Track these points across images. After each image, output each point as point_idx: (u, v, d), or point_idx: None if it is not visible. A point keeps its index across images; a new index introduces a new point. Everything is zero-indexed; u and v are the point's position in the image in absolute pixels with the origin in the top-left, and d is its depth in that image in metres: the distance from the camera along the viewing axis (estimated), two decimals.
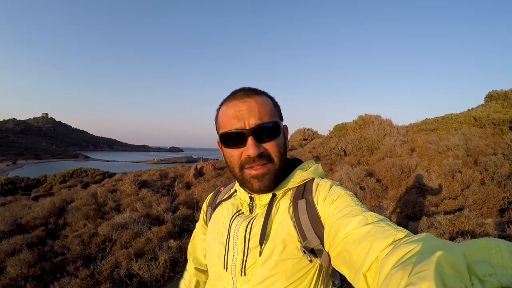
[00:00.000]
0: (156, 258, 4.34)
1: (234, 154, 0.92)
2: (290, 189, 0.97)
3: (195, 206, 7.34)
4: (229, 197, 1.10)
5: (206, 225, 1.17)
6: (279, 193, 0.96)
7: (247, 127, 0.87)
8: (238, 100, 0.91)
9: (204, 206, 1.23)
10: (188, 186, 10.14)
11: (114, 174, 17.00)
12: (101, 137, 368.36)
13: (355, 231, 0.72)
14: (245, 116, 0.88)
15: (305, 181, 0.97)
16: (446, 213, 4.86)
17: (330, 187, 0.91)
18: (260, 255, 0.89)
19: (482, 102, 14.73)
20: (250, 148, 0.87)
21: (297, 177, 0.96)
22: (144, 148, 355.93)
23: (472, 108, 14.21)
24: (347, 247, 0.72)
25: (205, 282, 1.29)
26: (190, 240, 1.34)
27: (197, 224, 1.32)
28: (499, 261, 0.40)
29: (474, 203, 5.10)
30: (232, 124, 0.89)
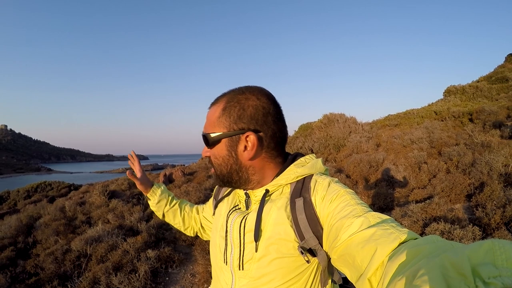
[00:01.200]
0: (135, 270, 4.22)
1: None
2: (285, 185, 0.96)
3: None
4: (230, 192, 1.13)
5: (214, 212, 1.21)
6: (272, 189, 0.96)
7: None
8: None
9: (212, 196, 1.30)
10: None
11: (80, 186, 16.42)
12: (64, 148, 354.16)
13: (358, 234, 0.70)
14: None
15: (303, 177, 0.95)
16: (417, 202, 5.08)
17: (328, 185, 0.89)
18: (256, 251, 0.89)
19: (441, 97, 15.43)
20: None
21: (291, 173, 0.95)
22: (108, 158, 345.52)
23: (432, 103, 14.85)
24: (349, 250, 0.71)
25: (186, 214, 1.49)
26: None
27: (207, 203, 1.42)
28: (503, 263, 0.40)
29: (442, 191, 5.35)
30: None
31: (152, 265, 4.42)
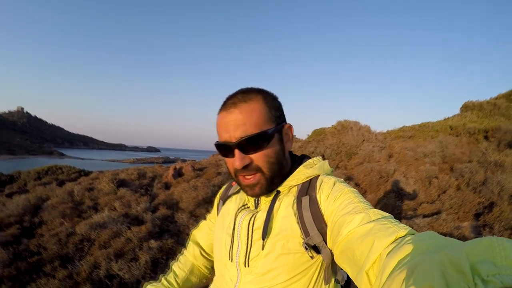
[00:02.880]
0: (136, 259, 4.26)
1: (228, 162, 0.96)
2: (294, 185, 0.98)
3: (175, 207, 7.25)
4: (238, 191, 1.12)
5: (218, 214, 1.20)
6: (283, 189, 0.97)
7: (233, 140, 0.88)
8: (226, 110, 0.91)
9: (217, 199, 1.26)
10: (167, 186, 10.00)
11: (91, 172, 16.60)
12: (77, 134, 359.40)
13: (358, 229, 0.72)
14: (231, 128, 0.88)
15: (310, 178, 0.97)
16: (424, 216, 5.01)
17: (334, 184, 0.91)
18: (262, 249, 0.91)
19: (458, 112, 15.19)
20: (236, 161, 0.89)
21: (301, 174, 0.97)
22: (120, 147, 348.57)
23: (448, 118, 14.63)
24: (350, 245, 0.72)
25: (206, 268, 1.33)
26: (197, 227, 1.36)
27: (208, 215, 1.34)
28: (502, 260, 0.39)
29: (451, 208, 5.27)
30: (221, 136, 0.92)
31: (154, 256, 4.45)
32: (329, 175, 1.00)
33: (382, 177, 7.51)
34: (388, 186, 6.99)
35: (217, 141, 0.94)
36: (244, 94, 0.92)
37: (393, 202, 6.01)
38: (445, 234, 4.09)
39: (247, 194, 0.97)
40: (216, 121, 0.95)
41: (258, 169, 0.91)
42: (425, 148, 8.85)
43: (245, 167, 0.90)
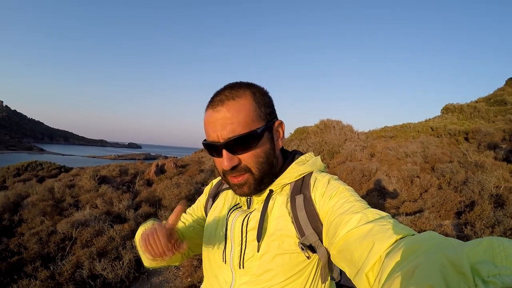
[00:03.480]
0: (120, 258, 4.19)
1: (216, 162, 0.93)
2: (287, 184, 0.95)
3: (157, 204, 7.19)
4: (229, 188, 1.07)
5: (206, 212, 1.16)
6: (276, 188, 0.95)
7: (220, 140, 0.85)
8: (213, 108, 0.87)
9: (205, 194, 1.21)
10: (149, 183, 9.90)
11: (71, 168, 16.26)
12: (57, 129, 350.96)
13: (356, 230, 0.71)
14: (218, 128, 0.85)
15: (303, 175, 0.95)
16: (407, 214, 5.11)
17: (328, 182, 0.89)
18: (258, 251, 0.88)
19: (439, 113, 15.53)
20: (224, 161, 0.86)
21: (294, 172, 0.94)
22: (101, 143, 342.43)
23: (430, 119, 14.96)
24: (348, 246, 0.71)
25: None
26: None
27: (189, 209, 1.24)
28: (503, 261, 0.39)
29: (433, 206, 5.39)
30: (209, 135, 0.88)
31: (137, 254, 4.39)
32: (322, 171, 0.98)
33: (365, 175, 7.61)
34: (370, 185, 7.08)
35: (205, 140, 0.90)
36: (232, 91, 0.88)
37: (375, 200, 6.09)
38: None
39: (236, 193, 0.94)
40: (203, 119, 0.92)
41: (247, 170, 0.88)
42: (407, 148, 9.02)
43: (234, 168, 0.87)
